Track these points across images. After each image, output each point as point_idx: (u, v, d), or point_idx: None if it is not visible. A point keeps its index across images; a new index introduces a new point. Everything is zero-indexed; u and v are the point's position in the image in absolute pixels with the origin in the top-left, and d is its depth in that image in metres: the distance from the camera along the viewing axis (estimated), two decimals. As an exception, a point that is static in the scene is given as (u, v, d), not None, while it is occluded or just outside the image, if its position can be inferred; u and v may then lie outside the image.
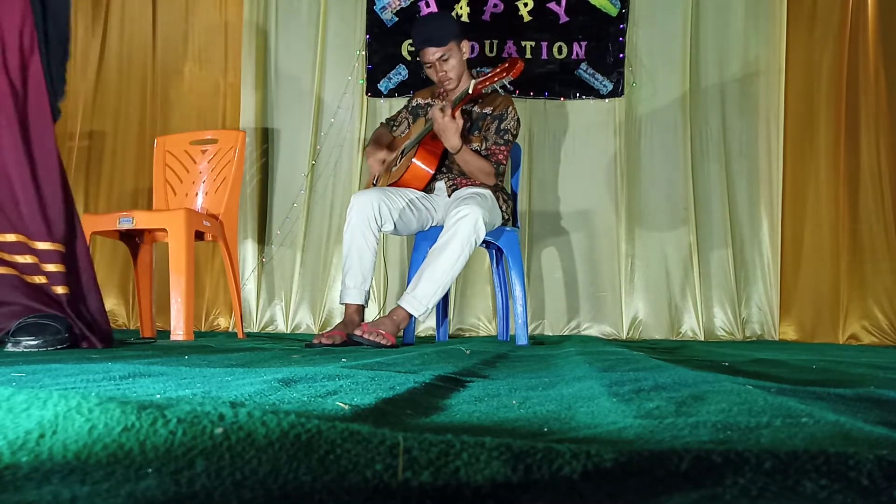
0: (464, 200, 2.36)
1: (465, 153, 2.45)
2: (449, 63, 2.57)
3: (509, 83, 2.42)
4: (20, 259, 1.82)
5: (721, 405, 0.67)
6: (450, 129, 2.37)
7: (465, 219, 2.24)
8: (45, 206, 1.85)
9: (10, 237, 1.82)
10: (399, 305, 2.26)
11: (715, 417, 0.60)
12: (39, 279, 1.83)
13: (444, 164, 2.61)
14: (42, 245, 1.84)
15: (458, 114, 2.38)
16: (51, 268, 1.84)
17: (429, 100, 2.77)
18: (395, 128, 2.84)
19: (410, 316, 2.27)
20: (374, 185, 2.75)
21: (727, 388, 0.77)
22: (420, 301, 2.24)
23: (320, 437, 0.42)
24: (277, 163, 3.97)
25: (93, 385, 0.87)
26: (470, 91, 2.40)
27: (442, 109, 2.37)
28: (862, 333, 3.40)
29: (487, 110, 2.61)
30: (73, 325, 1.81)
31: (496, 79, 2.37)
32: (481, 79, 2.41)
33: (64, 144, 3.97)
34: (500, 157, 2.55)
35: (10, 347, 1.72)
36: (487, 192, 2.51)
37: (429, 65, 2.59)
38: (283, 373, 0.96)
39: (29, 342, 1.71)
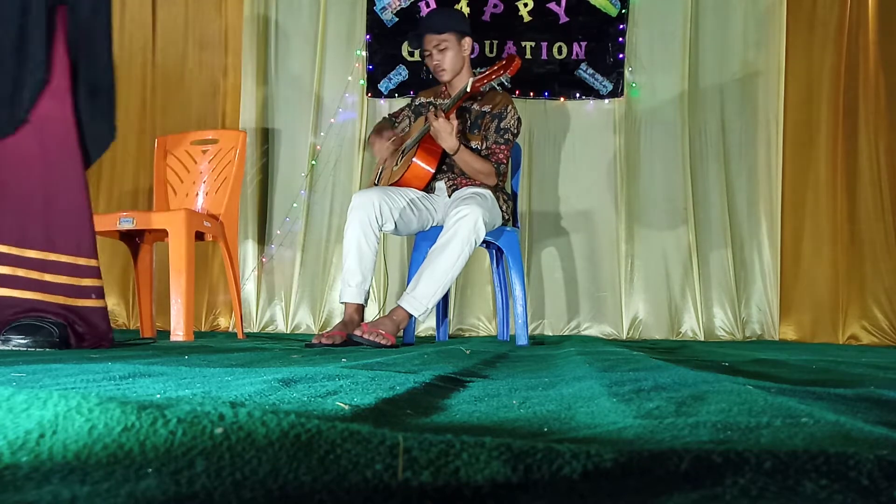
0: (464, 200, 2.36)
1: (463, 153, 2.45)
2: (445, 54, 2.58)
3: (507, 80, 2.43)
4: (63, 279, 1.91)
5: (721, 405, 0.67)
6: (444, 131, 2.37)
7: (465, 219, 2.24)
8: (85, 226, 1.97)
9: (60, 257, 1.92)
10: (399, 305, 2.26)
11: (715, 417, 0.60)
12: (78, 300, 1.92)
13: (445, 163, 2.61)
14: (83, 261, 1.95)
15: (452, 115, 2.39)
16: (88, 282, 1.94)
17: (431, 99, 2.77)
18: (396, 124, 2.84)
19: (410, 316, 2.27)
20: (376, 184, 2.75)
21: (727, 388, 0.77)
22: (420, 301, 2.24)
23: (320, 437, 0.42)
24: (277, 163, 3.97)
25: (93, 385, 0.87)
26: (468, 89, 2.42)
27: (435, 112, 2.38)
28: (862, 333, 3.40)
29: (486, 108, 2.61)
30: (72, 333, 1.84)
31: (493, 76, 2.39)
32: (479, 77, 2.43)
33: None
34: (501, 156, 2.55)
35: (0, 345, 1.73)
36: (487, 192, 2.51)
37: (427, 53, 2.62)
38: (283, 373, 0.96)
39: (19, 341, 1.73)
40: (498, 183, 2.62)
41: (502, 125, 2.56)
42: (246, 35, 3.95)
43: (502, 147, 2.55)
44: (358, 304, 2.40)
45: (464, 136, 2.58)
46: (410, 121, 2.81)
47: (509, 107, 2.58)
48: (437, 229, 2.54)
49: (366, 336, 2.13)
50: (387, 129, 2.80)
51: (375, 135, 2.77)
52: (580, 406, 0.77)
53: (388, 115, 2.94)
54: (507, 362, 1.54)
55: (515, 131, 2.58)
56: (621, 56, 3.77)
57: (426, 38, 2.60)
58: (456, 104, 2.49)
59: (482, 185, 2.56)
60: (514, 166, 3.05)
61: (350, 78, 3.90)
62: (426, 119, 2.58)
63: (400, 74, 3.85)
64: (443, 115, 2.38)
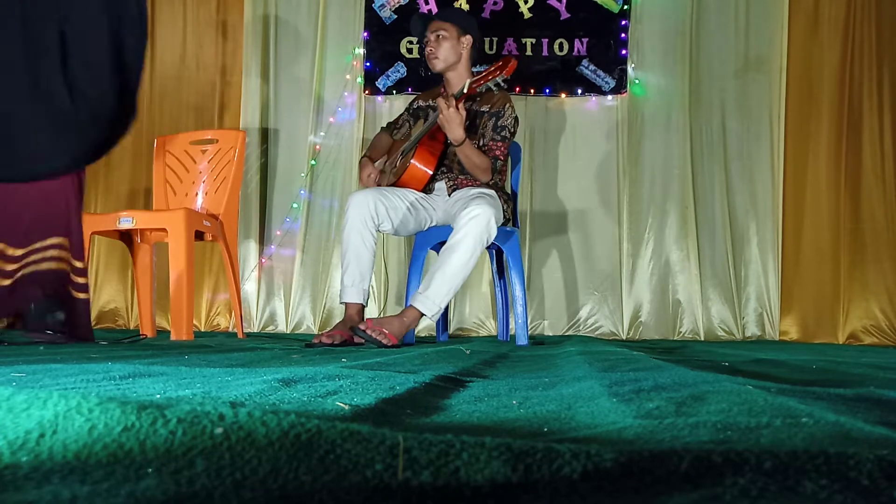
0: (473, 200, 2.37)
1: (466, 147, 2.45)
2: (441, 43, 2.61)
3: (504, 81, 2.45)
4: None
5: (721, 405, 0.67)
6: (454, 121, 2.37)
7: (478, 218, 2.25)
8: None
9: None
10: (411, 306, 2.25)
11: (715, 417, 0.60)
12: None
13: (444, 163, 2.61)
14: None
15: (461, 105, 2.39)
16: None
17: (429, 101, 2.77)
18: (396, 131, 2.84)
19: (422, 315, 2.26)
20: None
21: (727, 388, 0.77)
22: (433, 301, 2.24)
23: (320, 437, 0.42)
24: (277, 163, 3.97)
25: (93, 385, 0.87)
26: (465, 90, 2.45)
27: (447, 100, 2.38)
28: (862, 333, 3.40)
29: (485, 108, 2.63)
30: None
31: (489, 77, 2.42)
32: (476, 78, 2.46)
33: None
34: (498, 153, 2.56)
35: None
36: (493, 192, 2.53)
37: (426, 40, 2.65)
38: (283, 373, 0.95)
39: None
40: (497, 182, 2.63)
41: (500, 123, 2.58)
42: (247, 34, 3.95)
43: (499, 144, 2.56)
44: (358, 305, 2.40)
45: (466, 132, 2.58)
46: (410, 124, 2.81)
47: (507, 105, 2.61)
48: (435, 229, 2.55)
49: (368, 331, 2.12)
50: (384, 141, 2.78)
51: (367, 158, 2.73)
52: (580, 406, 0.77)
53: (388, 123, 2.93)
54: (507, 362, 1.54)
55: (513, 129, 2.61)
56: (624, 52, 3.76)
57: (430, 24, 2.64)
58: (459, 101, 2.50)
59: (482, 184, 2.57)
60: (513, 165, 3.05)
61: (348, 76, 3.89)
62: (436, 108, 2.59)
63: (398, 72, 3.85)
64: (454, 103, 2.38)
